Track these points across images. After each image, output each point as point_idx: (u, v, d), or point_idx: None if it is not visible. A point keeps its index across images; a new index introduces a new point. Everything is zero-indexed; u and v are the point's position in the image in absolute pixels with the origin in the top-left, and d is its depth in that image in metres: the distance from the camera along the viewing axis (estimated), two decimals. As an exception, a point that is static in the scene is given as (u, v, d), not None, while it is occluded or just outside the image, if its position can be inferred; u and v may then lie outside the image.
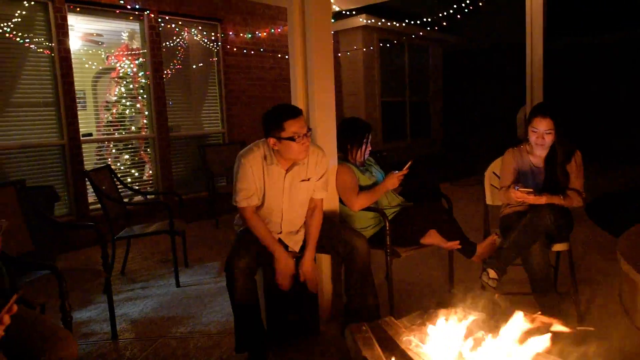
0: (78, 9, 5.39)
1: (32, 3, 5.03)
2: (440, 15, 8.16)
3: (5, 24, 4.86)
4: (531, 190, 2.79)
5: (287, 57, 3.16)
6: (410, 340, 1.72)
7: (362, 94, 9.40)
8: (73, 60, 5.32)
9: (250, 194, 2.62)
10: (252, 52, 7.13)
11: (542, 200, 2.79)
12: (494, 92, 11.23)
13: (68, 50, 5.25)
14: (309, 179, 2.72)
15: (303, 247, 2.75)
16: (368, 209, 3.05)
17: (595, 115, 10.51)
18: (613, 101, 10.55)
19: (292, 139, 2.50)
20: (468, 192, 6.93)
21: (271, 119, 2.55)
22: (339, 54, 9.06)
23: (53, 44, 5.17)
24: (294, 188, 2.69)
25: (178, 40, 6.38)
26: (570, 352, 2.55)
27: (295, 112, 2.55)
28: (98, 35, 5.87)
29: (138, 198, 5.88)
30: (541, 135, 2.88)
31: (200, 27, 6.62)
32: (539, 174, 2.99)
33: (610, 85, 10.60)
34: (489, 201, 3.32)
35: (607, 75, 10.62)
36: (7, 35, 4.87)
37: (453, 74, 11.82)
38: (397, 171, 3.06)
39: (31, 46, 5.04)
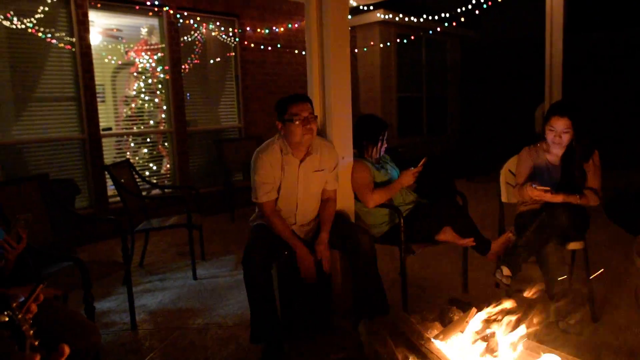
0: (99, 5, 5.48)
1: (54, -1, 5.13)
2: (459, 10, 8.09)
3: (28, 20, 4.97)
4: (548, 188, 2.79)
5: (303, 52, 3.19)
6: (422, 336, 1.75)
7: (378, 90, 9.38)
8: (93, 56, 5.41)
9: (269, 188, 2.71)
10: (269, 48, 7.17)
11: (559, 198, 2.79)
12: (513, 88, 11.09)
13: (89, 46, 5.34)
14: (322, 170, 2.81)
15: (315, 235, 2.81)
16: (383, 205, 3.07)
17: (617, 112, 10.34)
18: (636, 98, 10.35)
19: (290, 120, 2.63)
20: (484, 188, 6.89)
21: (279, 104, 2.73)
22: (356, 50, 9.05)
23: (74, 40, 5.26)
24: (307, 178, 2.78)
25: (196, 35, 6.44)
26: (585, 349, 2.56)
27: (299, 98, 2.71)
28: (118, 30, 5.96)
29: (156, 191, 5.97)
30: (558, 134, 2.87)
31: (218, 23, 6.67)
32: (555, 173, 2.98)
33: (633, 81, 10.40)
34: (504, 199, 3.32)
35: (631, 71, 10.42)
36: (30, 30, 4.98)
37: (471, 69, 11.70)
38: (412, 168, 3.08)
39: (53, 41, 5.14)
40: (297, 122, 2.63)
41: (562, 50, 5.59)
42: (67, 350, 0.93)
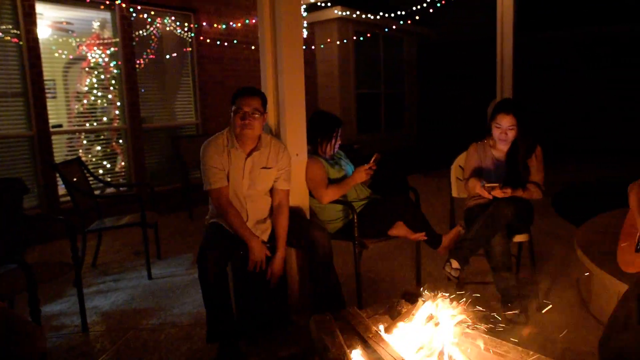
0: (47, -3, 5.29)
1: (-1, -9, 4.92)
2: (415, 8, 8.23)
3: (-30, 12, 4.75)
4: (496, 185, 2.89)
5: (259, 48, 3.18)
6: (371, 329, 1.79)
7: (337, 86, 9.44)
8: (42, 50, 5.22)
9: (219, 173, 2.72)
10: (226, 43, 7.10)
11: (507, 193, 2.90)
12: (468, 84, 11.39)
13: (36, 39, 5.15)
14: (270, 168, 2.82)
15: (271, 237, 2.81)
16: (337, 201, 3.11)
17: (564, 109, 10.77)
18: (583, 95, 10.80)
19: (234, 112, 2.70)
20: (438, 183, 7.05)
21: (232, 96, 2.77)
22: (313, 47, 9.07)
23: (20, 32, 5.06)
24: (255, 173, 2.79)
25: (151, 30, 6.31)
26: (530, 338, 2.68)
27: (247, 91, 2.74)
28: (68, 23, 5.76)
29: (110, 190, 5.83)
30: (504, 131, 2.98)
31: (173, 17, 6.55)
32: (501, 167, 3.09)
33: (580, 79, 10.85)
34: (454, 194, 3.42)
35: (579, 70, 10.86)
36: (-28, 23, 4.76)
37: (428, 66, 11.94)
38: (365, 165, 3.13)
39: (-3, 35, 4.94)
40: (237, 115, 2.69)
41: (513, 49, 5.78)
42: None
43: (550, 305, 3.08)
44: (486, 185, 2.90)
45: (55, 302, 3.54)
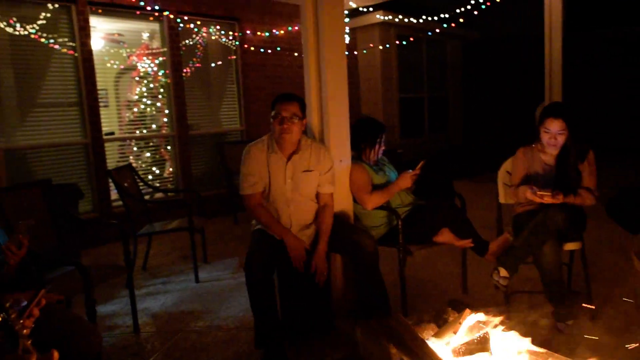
0: (100, 11, 5.53)
1: (56, 6, 5.18)
2: (458, 10, 8.10)
3: (30, 26, 5.02)
4: (549, 193, 2.80)
5: (303, 55, 3.21)
6: (417, 337, 1.78)
7: (379, 91, 9.41)
8: (95, 61, 5.46)
9: (254, 180, 2.78)
10: (270, 51, 7.21)
11: (559, 199, 2.80)
12: (515, 87, 11.09)
13: (90, 51, 5.39)
14: (311, 171, 2.83)
15: (314, 243, 2.83)
16: (381, 207, 3.10)
17: (619, 110, 10.31)
18: (634, 95, 10.32)
19: (273, 117, 2.74)
20: (484, 189, 6.88)
21: (272, 102, 2.82)
22: (355, 52, 9.07)
23: (76, 45, 5.32)
24: (297, 178, 2.81)
25: (197, 39, 6.48)
26: (583, 350, 2.58)
27: (285, 97, 2.79)
28: (119, 35, 6.01)
29: (159, 195, 6.02)
30: (553, 136, 2.90)
31: (218, 27, 6.72)
32: (550, 173, 3.00)
33: (631, 78, 10.38)
34: (501, 199, 3.34)
35: (631, 69, 10.39)
36: (33, 36, 5.03)
37: (472, 69, 11.72)
38: (410, 170, 3.10)
39: (55, 47, 5.20)
40: (276, 120, 2.73)
41: (562, 49, 5.59)
42: (56, 355, 0.97)
43: (604, 316, 2.96)
44: (538, 192, 2.81)
45: (109, 303, 3.68)
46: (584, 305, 2.88)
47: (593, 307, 2.83)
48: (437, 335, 1.84)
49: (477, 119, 11.82)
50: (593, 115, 9.48)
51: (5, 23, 4.88)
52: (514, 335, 1.84)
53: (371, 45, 9.19)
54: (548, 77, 5.73)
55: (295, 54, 7.50)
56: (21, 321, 1.00)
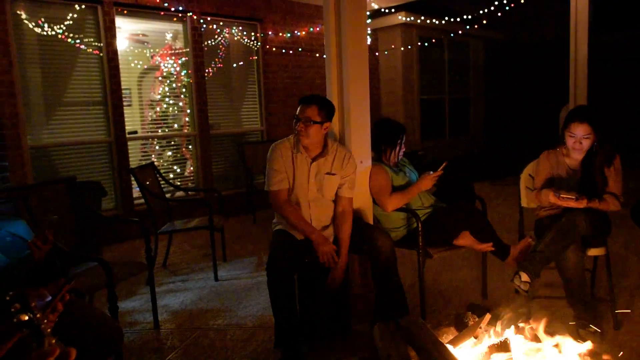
0: (125, 12, 5.62)
1: (83, 7, 5.28)
2: (482, 12, 8.02)
3: (58, 26, 5.13)
4: (573, 197, 2.75)
5: (324, 56, 3.21)
6: (435, 340, 1.76)
7: (400, 92, 9.35)
8: (120, 60, 5.56)
9: (281, 177, 2.79)
10: (291, 51, 7.24)
11: (583, 203, 2.75)
12: (538, 89, 10.92)
13: (115, 51, 5.49)
14: (334, 174, 2.83)
15: (334, 242, 2.83)
16: (401, 209, 3.08)
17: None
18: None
19: (294, 118, 2.77)
20: (506, 192, 6.82)
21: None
22: (377, 53, 9.05)
23: (102, 45, 5.42)
24: (320, 179, 2.82)
25: (219, 40, 6.54)
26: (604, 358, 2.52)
27: (303, 100, 2.80)
28: (144, 35, 6.10)
29: (180, 194, 6.08)
30: (578, 140, 2.85)
31: (240, 27, 6.77)
32: (575, 177, 2.95)
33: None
34: (524, 203, 3.29)
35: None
36: (60, 36, 5.14)
37: (495, 71, 11.56)
38: (431, 172, 3.08)
39: (81, 47, 5.30)
40: (294, 122, 2.78)
41: (587, 51, 5.49)
42: (74, 353, 0.99)
43: (629, 324, 2.89)
44: (562, 195, 2.76)
45: (130, 299, 3.73)
46: (616, 311, 2.82)
47: (626, 311, 2.76)
48: (456, 339, 1.82)
49: (499, 121, 11.66)
50: (619, 117, 9.27)
51: (33, 23, 4.99)
52: (534, 340, 1.81)
53: (393, 46, 9.15)
54: (573, 79, 5.63)
55: (317, 55, 7.51)
56: (43, 316, 1.02)
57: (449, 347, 1.77)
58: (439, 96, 10.33)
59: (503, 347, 1.74)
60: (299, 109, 2.78)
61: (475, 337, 1.80)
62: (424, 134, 9.81)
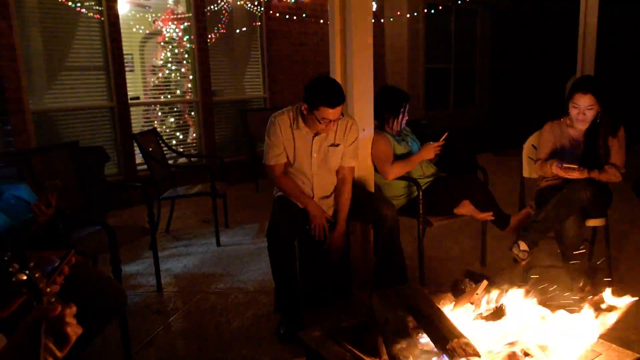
0: (126, -26, 5.52)
1: (83, -32, 5.18)
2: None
3: (58, -11, 5.05)
4: (575, 167, 2.75)
5: (328, 22, 3.16)
6: (433, 306, 1.79)
7: (405, 61, 9.23)
8: (121, 25, 5.48)
9: (278, 151, 2.76)
10: (295, 17, 7.11)
11: (583, 174, 2.75)
12: (546, 60, 10.75)
13: (117, 16, 5.41)
14: (338, 145, 2.80)
15: (335, 214, 2.84)
16: (402, 177, 3.09)
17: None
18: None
19: (317, 118, 2.61)
20: (509, 163, 6.79)
21: (311, 95, 2.62)
22: (382, 20, 8.88)
23: (102, 9, 5.33)
24: (323, 152, 2.79)
25: (222, 4, 6.43)
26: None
27: (333, 103, 2.57)
28: (145, 0, 6.00)
29: (182, 160, 6.10)
30: (582, 111, 2.83)
31: (244, -8, 6.64)
32: (578, 148, 2.94)
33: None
34: (525, 174, 3.29)
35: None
36: (60, 0, 5.06)
37: (502, 40, 11.36)
38: (433, 142, 3.08)
39: (82, 11, 5.22)
40: (324, 125, 2.64)
41: (597, 23, 5.39)
42: (74, 308, 1.02)
43: (624, 293, 2.93)
44: (564, 165, 2.76)
45: (133, 263, 3.79)
46: (605, 279, 2.86)
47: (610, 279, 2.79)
48: (453, 305, 1.85)
49: (505, 91, 11.52)
50: (627, 91, 9.16)
51: (33, -15, 4.91)
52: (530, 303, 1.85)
53: (398, 13, 8.98)
54: (581, 51, 5.55)
55: (321, 21, 7.39)
56: (51, 281, 1.05)
57: (446, 312, 1.80)
58: (444, 65, 10.19)
59: (498, 313, 1.78)
60: (329, 112, 2.57)
61: (472, 303, 1.83)
62: (428, 104, 9.73)
